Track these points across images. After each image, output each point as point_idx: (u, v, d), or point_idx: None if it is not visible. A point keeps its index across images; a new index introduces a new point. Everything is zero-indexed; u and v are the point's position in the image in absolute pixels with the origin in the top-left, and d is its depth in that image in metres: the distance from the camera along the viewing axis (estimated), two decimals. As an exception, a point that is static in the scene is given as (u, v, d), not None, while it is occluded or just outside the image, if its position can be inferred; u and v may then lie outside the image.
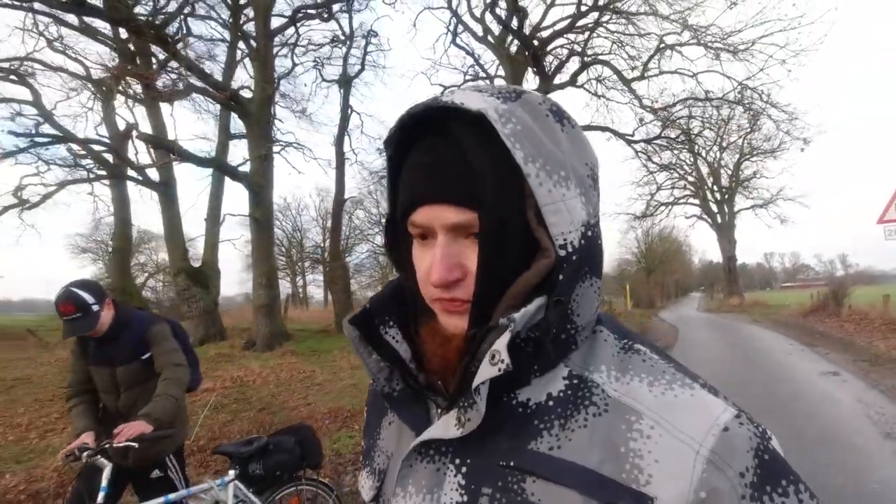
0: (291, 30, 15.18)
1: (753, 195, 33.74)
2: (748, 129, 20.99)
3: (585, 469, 0.46)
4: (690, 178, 35.29)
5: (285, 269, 37.30)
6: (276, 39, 14.65)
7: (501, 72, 16.38)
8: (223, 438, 5.43)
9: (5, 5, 9.96)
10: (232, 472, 2.53)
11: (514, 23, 13.98)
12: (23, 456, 5.12)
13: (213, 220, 14.82)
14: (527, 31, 14.99)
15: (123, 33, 13.00)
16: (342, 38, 15.72)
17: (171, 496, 2.33)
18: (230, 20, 13.98)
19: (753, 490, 0.43)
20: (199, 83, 10.83)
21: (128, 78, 10.73)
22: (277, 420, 6.13)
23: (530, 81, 15.78)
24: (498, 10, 14.45)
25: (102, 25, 13.16)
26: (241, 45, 14.82)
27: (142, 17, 10.87)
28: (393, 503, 0.56)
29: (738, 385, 7.00)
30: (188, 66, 10.07)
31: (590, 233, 0.52)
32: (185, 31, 12.06)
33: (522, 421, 0.51)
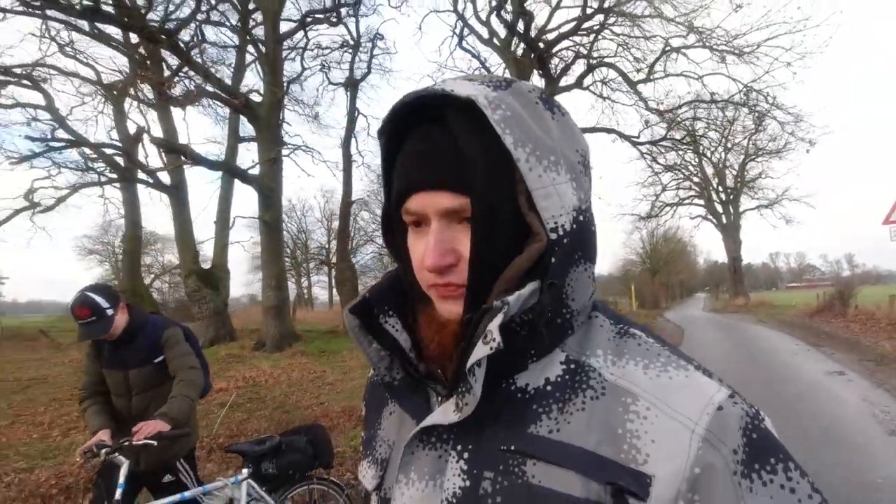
0: (300, 34, 15.34)
1: (759, 195, 33.71)
2: (753, 130, 21.02)
3: (584, 451, 0.47)
4: (695, 179, 35.28)
5: (290, 271, 37.48)
6: (285, 43, 14.82)
7: (507, 75, 16.51)
8: (241, 436, 5.57)
9: (21, 12, 10.14)
10: (245, 471, 2.55)
11: (520, 26, 14.09)
12: (48, 453, 5.28)
13: (223, 222, 14.99)
14: (532, 33, 15.11)
15: (134, 38, 13.22)
16: (350, 42, 15.88)
17: (187, 493, 2.38)
18: (238, 24, 14.15)
19: (744, 467, 0.44)
20: (212, 89, 11.00)
21: (140, 83, 10.89)
22: (293, 418, 6.27)
23: (536, 84, 15.90)
24: (504, 14, 14.55)
25: (114, 31, 13.36)
26: (250, 48, 15.01)
27: (154, 24, 11.03)
28: (396, 490, 0.57)
29: (744, 384, 7.08)
30: (205, 75, 10.23)
31: (581, 217, 0.52)
32: (199, 38, 12.19)
33: (522, 406, 0.52)
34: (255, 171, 13.45)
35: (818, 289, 25.77)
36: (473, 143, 0.49)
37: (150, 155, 16.59)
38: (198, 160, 11.13)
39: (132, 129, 16.17)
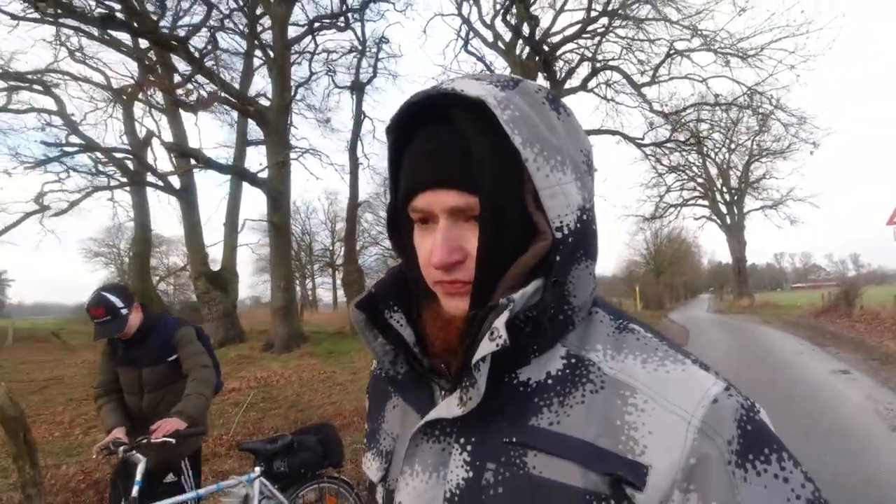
0: (308, 38, 15.52)
1: (763, 196, 33.70)
2: (757, 131, 21.10)
3: (584, 442, 0.48)
4: (699, 180, 35.28)
5: (295, 273, 37.63)
6: (292, 48, 15.00)
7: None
8: (258, 434, 5.71)
9: (37, 20, 10.33)
10: (258, 469, 2.57)
11: (525, 29, 14.23)
12: (72, 450, 5.44)
13: (232, 225, 15.18)
14: (537, 36, 15.24)
15: (144, 43, 13.42)
16: (358, 47, 16.05)
17: (202, 491, 2.42)
18: (246, 29, 14.34)
19: (739, 457, 0.45)
20: (225, 95, 11.17)
21: (151, 88, 11.06)
22: (307, 417, 6.40)
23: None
24: (509, 18, 14.70)
25: (124, 36, 13.57)
26: (258, 53, 15.20)
27: (165, 30, 11.21)
28: (401, 482, 0.58)
29: (750, 384, 7.16)
30: (221, 84, 10.41)
31: (585, 216, 0.54)
32: (213, 45, 12.38)
33: (523, 399, 0.53)
34: (264, 174, 13.64)
35: (823, 289, 25.76)
36: (482, 142, 0.50)
37: (159, 158, 16.80)
38: (209, 164, 11.31)
39: (141, 133, 16.41)
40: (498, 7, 15.74)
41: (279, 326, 13.22)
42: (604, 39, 16.37)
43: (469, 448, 0.53)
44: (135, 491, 2.14)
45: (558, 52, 16.27)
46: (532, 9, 14.21)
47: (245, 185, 14.62)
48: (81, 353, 13.46)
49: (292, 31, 14.71)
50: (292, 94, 14.46)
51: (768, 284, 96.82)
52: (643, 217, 34.17)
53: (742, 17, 15.05)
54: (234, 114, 14.96)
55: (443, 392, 0.58)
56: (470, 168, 0.51)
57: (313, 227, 38.03)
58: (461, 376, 0.52)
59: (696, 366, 0.51)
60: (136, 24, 10.20)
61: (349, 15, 15.15)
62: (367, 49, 16.48)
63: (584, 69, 17.11)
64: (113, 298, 2.44)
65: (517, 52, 16.45)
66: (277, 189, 13.06)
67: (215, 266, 14.92)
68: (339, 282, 39.10)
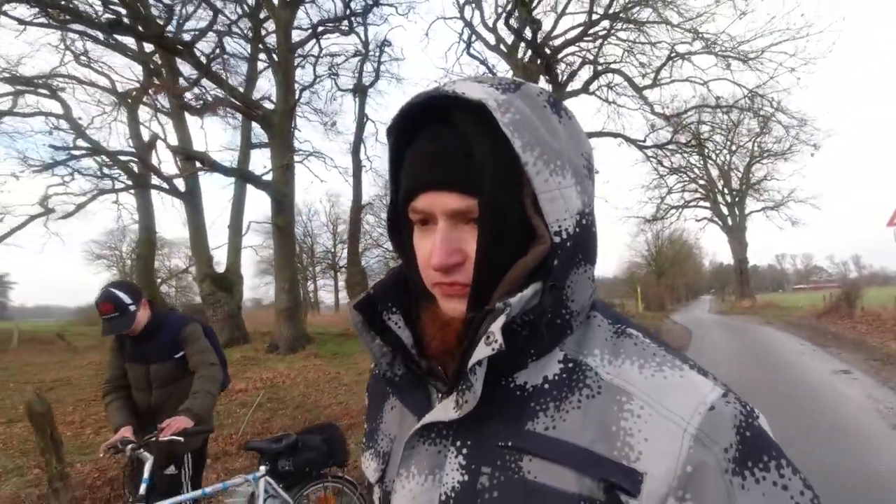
0: (311, 42, 15.64)
1: (764, 197, 33.78)
2: (758, 133, 21.19)
3: (579, 448, 0.48)
4: (701, 181, 35.37)
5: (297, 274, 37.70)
6: (296, 51, 15.11)
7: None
8: (267, 434, 5.80)
9: (45, 25, 10.45)
10: (263, 468, 2.59)
11: (528, 33, 14.34)
12: (85, 449, 5.53)
13: (236, 227, 15.29)
14: (539, 40, 15.35)
15: (149, 47, 13.55)
16: (362, 50, 16.18)
17: (208, 489, 2.44)
18: (250, 33, 14.46)
19: (736, 465, 0.45)
20: (232, 99, 11.28)
21: (157, 92, 11.17)
22: (315, 417, 6.49)
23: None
24: (512, 21, 14.81)
25: (128, 40, 13.69)
26: (262, 56, 15.32)
27: (170, 33, 11.32)
28: (397, 484, 0.58)
29: (751, 384, 7.22)
30: (230, 91, 10.52)
31: (584, 221, 0.53)
32: (220, 51, 12.50)
33: (520, 403, 0.53)
34: (268, 176, 13.74)
35: (825, 290, 25.80)
36: (482, 145, 0.50)
37: (164, 161, 16.93)
38: (215, 167, 11.41)
39: (146, 136, 16.53)
40: (500, 11, 15.89)
41: (284, 328, 13.29)
42: (605, 42, 16.49)
43: (465, 451, 0.53)
44: (142, 489, 2.16)
45: (560, 55, 16.38)
46: (534, 12, 14.32)
47: (248, 187, 14.74)
48: (87, 354, 13.55)
49: (296, 35, 14.85)
50: (296, 97, 14.58)
51: (770, 286, 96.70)
52: (644, 218, 34.26)
53: (743, 21, 15.20)
54: (239, 117, 15.07)
55: (440, 395, 0.58)
56: (470, 171, 0.51)
57: (315, 230, 38.12)
58: (458, 379, 0.52)
59: (694, 371, 0.51)
60: (142, 29, 10.34)
61: (353, 19, 15.27)
62: (370, 52, 16.63)
63: (586, 72, 17.22)
64: (121, 295, 2.47)
65: (519, 55, 16.55)
66: (281, 191, 13.16)
67: (219, 268, 15.03)
68: (341, 283, 39.26)
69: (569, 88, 16.55)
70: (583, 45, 16.70)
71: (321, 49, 16.12)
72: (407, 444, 0.57)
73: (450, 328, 0.55)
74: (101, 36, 12.47)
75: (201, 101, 11.10)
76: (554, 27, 16.82)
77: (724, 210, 35.65)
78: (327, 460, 2.83)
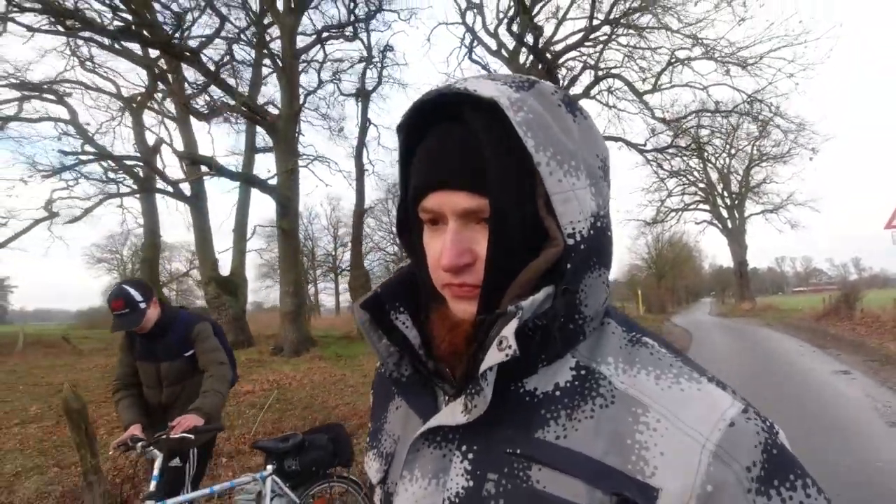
0: (316, 48, 15.81)
1: (763, 200, 33.98)
2: (757, 136, 21.38)
3: (591, 459, 0.47)
4: (700, 185, 35.54)
5: (299, 277, 37.73)
6: (301, 57, 15.28)
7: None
8: (278, 433, 5.92)
9: (57, 32, 10.59)
10: (270, 467, 2.60)
11: (530, 38, 14.52)
12: (100, 448, 5.64)
13: (241, 230, 15.41)
14: (540, 45, 15.53)
15: (153, 52, 13.71)
16: (365, 56, 16.35)
17: (216, 487, 2.49)
18: (255, 38, 14.62)
19: (760, 484, 0.43)
20: (239, 106, 11.43)
21: (170, 97, 11.30)
22: (325, 417, 6.61)
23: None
24: (513, 27, 14.99)
25: (133, 45, 13.83)
26: (266, 61, 15.48)
27: (176, 40, 11.46)
28: (400, 486, 0.57)
29: (752, 384, 7.34)
30: (243, 103, 10.65)
31: (599, 223, 0.52)
32: (230, 58, 12.66)
33: (529, 410, 0.51)
34: (273, 180, 13.88)
35: (824, 293, 25.96)
36: (494, 143, 0.49)
37: (168, 166, 17.08)
38: (222, 171, 11.55)
39: (150, 140, 16.68)
40: (501, 16, 16.07)
41: (288, 331, 13.39)
42: (606, 48, 16.68)
43: (470, 456, 0.52)
44: (152, 486, 2.19)
45: (561, 60, 16.55)
46: (536, 19, 14.50)
47: (251, 191, 14.87)
48: (92, 357, 13.65)
49: (301, 41, 15.03)
50: (301, 102, 14.74)
51: (770, 288, 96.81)
52: (645, 221, 34.43)
53: (742, 27, 15.41)
54: (244, 121, 15.21)
55: (446, 397, 0.57)
56: (480, 170, 0.50)
57: (315, 233, 38.18)
58: (466, 382, 0.51)
59: (713, 384, 0.49)
60: (149, 36, 10.49)
61: (357, 25, 15.44)
62: (373, 58, 16.80)
63: (587, 77, 17.34)
64: (133, 292, 2.50)
65: (521, 60, 16.73)
66: (286, 195, 13.28)
67: (223, 272, 15.14)
68: (342, 287, 39.35)
69: (570, 93, 16.71)
70: (584, 50, 16.89)
71: (326, 55, 16.30)
72: (411, 447, 0.56)
73: (459, 330, 0.54)
74: (106, 41, 12.63)
75: (207, 108, 11.24)
76: (555, 32, 17.03)
77: (724, 213, 35.81)
78: (333, 460, 2.86)
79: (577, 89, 17.19)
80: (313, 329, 19.65)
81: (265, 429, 6.18)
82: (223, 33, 11.71)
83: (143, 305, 2.51)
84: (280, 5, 13.74)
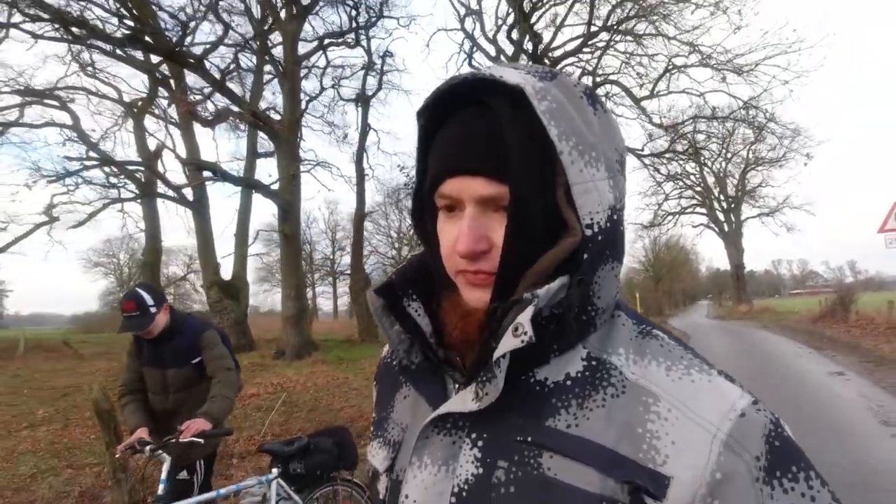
0: (318, 54, 15.96)
1: (760, 204, 34.25)
2: (752, 141, 21.62)
3: (603, 447, 0.47)
4: (697, 188, 35.81)
5: (297, 281, 37.72)
6: (303, 63, 15.43)
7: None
8: (285, 435, 6.03)
9: (65, 40, 10.69)
10: (275, 471, 2.61)
11: (528, 45, 14.70)
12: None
13: (242, 235, 15.51)
14: (538, 51, 15.72)
15: (155, 58, 13.83)
16: (367, 62, 16.52)
17: (222, 490, 2.49)
18: (256, 43, 14.75)
19: (766, 474, 0.44)
20: (248, 115, 11.55)
21: (177, 104, 11.41)
22: (331, 419, 6.72)
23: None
24: (512, 34, 15.18)
25: (136, 51, 13.97)
26: (268, 67, 15.63)
27: (181, 48, 11.59)
28: (408, 473, 0.57)
29: (750, 386, 7.26)
30: (245, 106, 10.76)
31: (615, 216, 0.52)
32: (236, 66, 12.79)
33: (540, 399, 0.51)
34: (275, 185, 13.99)
35: (821, 295, 26.16)
36: (516, 131, 0.49)
37: (169, 171, 17.14)
38: (225, 176, 11.67)
39: (152, 145, 16.78)
40: (500, 23, 16.25)
41: (290, 334, 13.46)
42: (604, 54, 16.89)
43: (480, 444, 0.52)
44: (161, 489, 2.23)
45: (559, 66, 16.74)
46: (535, 26, 14.70)
47: (253, 195, 14.99)
48: (93, 361, 13.68)
49: (302, 48, 15.18)
50: (303, 108, 14.88)
51: (766, 291, 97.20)
52: (642, 225, 34.59)
53: (737, 35, 15.65)
54: (245, 126, 15.34)
55: (456, 385, 0.57)
56: (502, 157, 0.49)
57: (314, 237, 38.19)
58: (477, 370, 0.51)
59: (722, 377, 0.50)
60: (154, 43, 10.61)
61: (358, 32, 15.60)
62: (374, 63, 16.95)
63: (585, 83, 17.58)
64: (146, 296, 2.53)
65: (519, 66, 16.89)
66: (288, 200, 13.39)
67: (224, 276, 15.22)
68: (340, 290, 39.41)
69: (590, 86, 16.94)
70: (582, 56, 17.11)
71: (328, 61, 16.45)
72: (421, 434, 0.56)
73: (472, 318, 0.54)
74: (108, 47, 12.75)
75: (213, 114, 11.37)
76: (553, 38, 17.21)
77: (721, 216, 36.06)
78: (337, 464, 2.87)
79: (575, 95, 17.36)
80: (313, 333, 19.75)
81: (273, 430, 6.28)
82: (226, 40, 11.81)
83: (153, 310, 2.53)
84: (282, 12, 13.91)
